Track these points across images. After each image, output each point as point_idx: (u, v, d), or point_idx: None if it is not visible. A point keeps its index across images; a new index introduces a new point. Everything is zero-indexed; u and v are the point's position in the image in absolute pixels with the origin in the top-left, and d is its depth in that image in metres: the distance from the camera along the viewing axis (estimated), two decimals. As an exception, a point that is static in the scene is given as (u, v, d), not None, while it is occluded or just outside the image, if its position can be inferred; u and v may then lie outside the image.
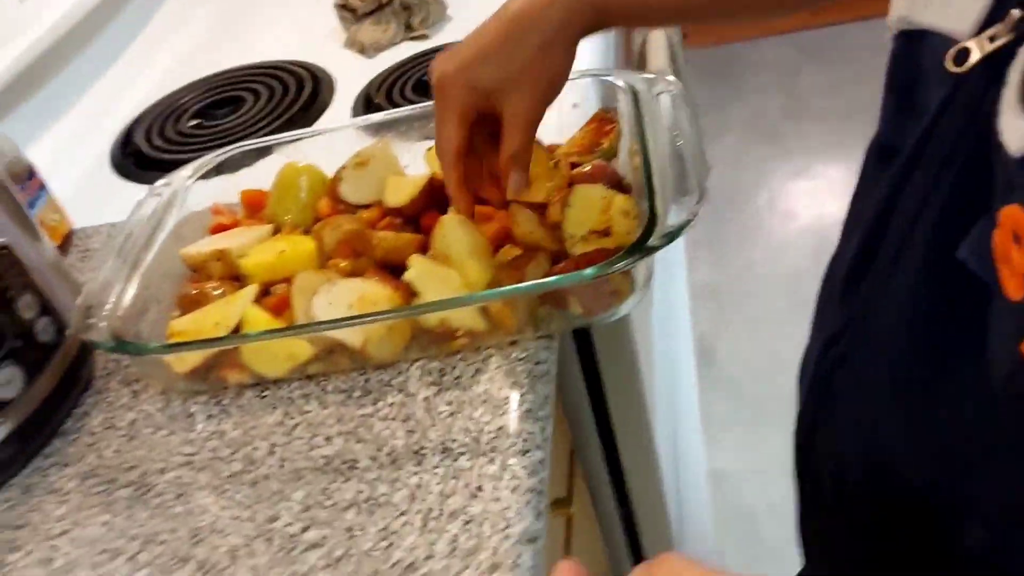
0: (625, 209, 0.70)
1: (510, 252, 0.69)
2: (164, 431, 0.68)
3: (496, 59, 0.62)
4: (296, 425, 0.66)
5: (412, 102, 1.02)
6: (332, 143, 0.85)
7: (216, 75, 1.21)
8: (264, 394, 0.69)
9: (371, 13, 1.17)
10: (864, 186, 0.55)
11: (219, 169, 0.85)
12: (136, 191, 1.02)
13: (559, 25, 0.62)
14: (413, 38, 1.17)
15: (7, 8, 1.10)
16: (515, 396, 0.63)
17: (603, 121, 0.81)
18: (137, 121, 1.15)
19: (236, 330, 0.69)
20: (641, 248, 0.60)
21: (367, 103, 1.06)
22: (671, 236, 0.60)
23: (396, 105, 1.02)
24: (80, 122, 1.15)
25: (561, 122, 0.82)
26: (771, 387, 1.77)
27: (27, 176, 0.91)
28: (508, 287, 0.63)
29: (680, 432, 1.59)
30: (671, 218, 0.62)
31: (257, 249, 0.76)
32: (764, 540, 1.59)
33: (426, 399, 0.64)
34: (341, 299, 0.68)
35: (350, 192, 0.81)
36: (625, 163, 0.76)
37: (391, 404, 0.65)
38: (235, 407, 0.68)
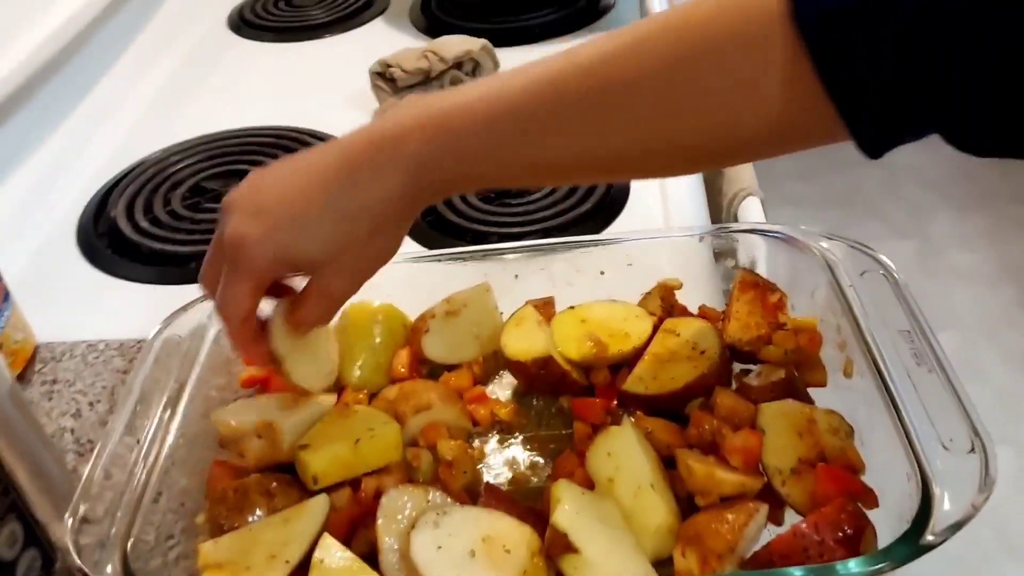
0: (833, 426, 0.53)
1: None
2: None
3: (315, 234, 0.47)
4: None
5: (486, 212, 0.83)
6: (407, 273, 0.65)
7: (216, 137, 0.99)
8: (338, 666, 0.48)
9: (414, 86, 0.98)
10: None
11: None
12: (110, 287, 0.79)
13: (397, 205, 0.47)
14: (462, 121, 0.98)
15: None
16: None
17: (760, 288, 0.63)
18: (115, 186, 0.92)
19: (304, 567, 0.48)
20: (918, 546, 0.43)
21: (414, 201, 0.86)
22: (956, 528, 0.43)
23: (457, 211, 0.83)
24: (37, 178, 0.92)
25: (707, 281, 0.65)
26: None
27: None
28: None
29: None
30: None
31: (320, 433, 0.55)
32: None
33: None
34: (457, 542, 0.48)
35: (435, 349, 0.62)
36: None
37: None
38: None
